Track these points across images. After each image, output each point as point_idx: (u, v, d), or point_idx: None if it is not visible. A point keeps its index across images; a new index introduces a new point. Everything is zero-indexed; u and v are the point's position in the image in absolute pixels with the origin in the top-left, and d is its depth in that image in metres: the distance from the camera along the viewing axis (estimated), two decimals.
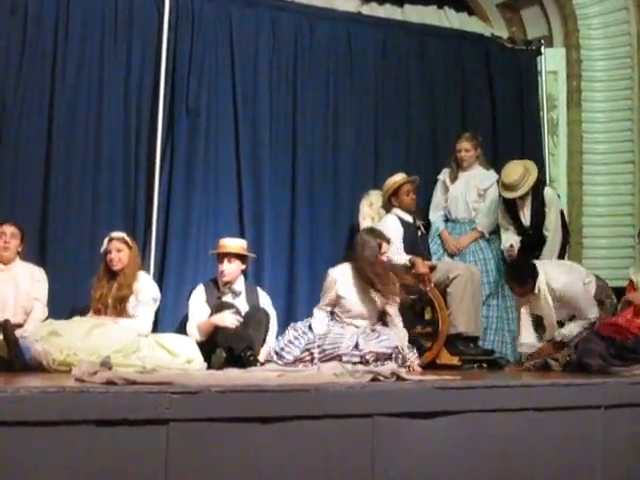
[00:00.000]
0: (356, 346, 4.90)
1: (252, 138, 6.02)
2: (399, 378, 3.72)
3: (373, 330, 5.08)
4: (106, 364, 3.67)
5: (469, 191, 6.29)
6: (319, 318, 5.19)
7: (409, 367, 4.86)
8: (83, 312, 5.06)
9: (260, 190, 5.98)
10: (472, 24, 7.39)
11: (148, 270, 5.46)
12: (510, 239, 6.06)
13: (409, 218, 5.97)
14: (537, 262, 5.48)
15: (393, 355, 4.86)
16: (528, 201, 6.02)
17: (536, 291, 5.25)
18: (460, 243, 6.21)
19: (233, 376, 4.00)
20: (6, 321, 4.50)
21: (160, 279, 5.57)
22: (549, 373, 5.06)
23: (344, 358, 4.77)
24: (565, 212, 6.86)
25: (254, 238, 5.83)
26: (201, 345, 4.92)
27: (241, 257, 5.35)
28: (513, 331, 5.93)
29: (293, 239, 6.06)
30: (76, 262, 5.42)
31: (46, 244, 5.42)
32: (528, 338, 5.42)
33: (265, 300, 5.40)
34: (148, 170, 5.73)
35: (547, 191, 6.15)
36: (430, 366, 5.32)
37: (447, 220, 6.39)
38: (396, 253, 5.71)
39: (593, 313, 5.27)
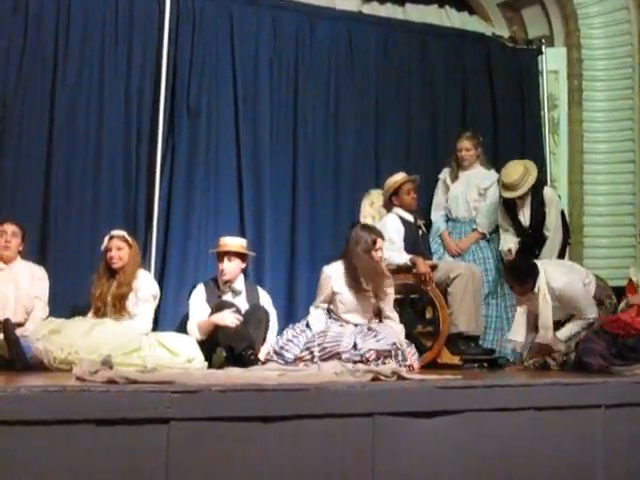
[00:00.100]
0: (354, 346, 4.89)
1: (253, 138, 6.02)
2: (400, 377, 3.72)
3: (370, 329, 5.08)
4: (107, 363, 3.67)
5: (470, 190, 6.29)
6: (316, 316, 5.18)
7: (409, 366, 4.85)
8: (84, 310, 5.07)
9: (261, 190, 5.98)
10: (473, 23, 7.40)
11: (149, 269, 5.47)
12: (509, 241, 6.05)
13: (410, 217, 5.97)
14: (537, 261, 5.48)
15: (392, 352, 4.86)
16: (528, 201, 6.01)
17: (536, 290, 5.25)
18: (460, 246, 6.21)
19: (234, 375, 4.01)
20: (6, 320, 4.51)
21: (161, 278, 5.58)
22: (549, 372, 5.06)
23: (344, 357, 4.76)
24: (566, 211, 6.86)
25: (255, 238, 5.84)
26: (202, 344, 4.92)
27: (241, 256, 5.35)
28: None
29: (294, 239, 6.06)
30: (77, 261, 5.43)
31: (47, 243, 5.43)
32: (516, 336, 5.42)
33: (265, 299, 5.40)
34: (149, 169, 5.73)
35: (547, 191, 6.15)
36: (431, 365, 5.32)
37: (448, 220, 6.39)
38: (397, 252, 5.72)
39: (592, 313, 5.26)
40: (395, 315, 5.32)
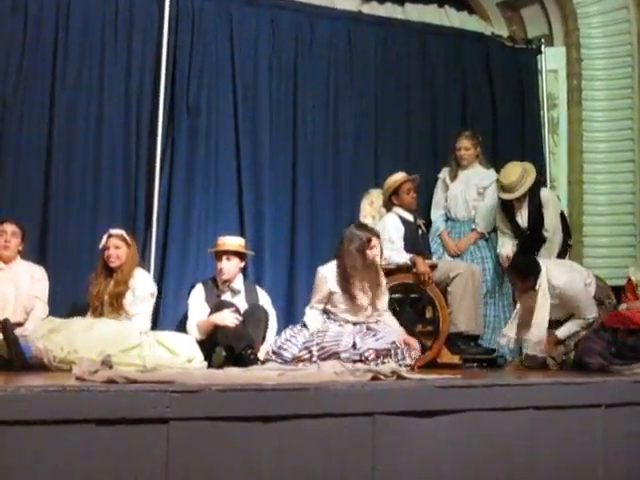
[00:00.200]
0: (354, 345, 4.89)
1: (252, 137, 6.02)
2: (399, 377, 3.72)
3: (369, 328, 5.08)
4: (107, 363, 3.67)
5: (469, 190, 6.29)
6: (311, 316, 5.19)
7: (412, 367, 4.85)
8: (83, 310, 5.08)
9: (260, 189, 5.98)
10: (472, 23, 7.40)
11: (149, 268, 5.47)
12: (507, 243, 6.04)
13: (410, 217, 5.98)
14: (540, 259, 5.48)
15: (392, 351, 4.86)
16: (525, 203, 6.02)
17: (537, 287, 5.25)
18: (459, 246, 6.21)
19: (233, 375, 4.01)
20: (5, 320, 4.51)
21: (160, 277, 5.58)
22: (549, 372, 5.06)
23: (343, 356, 4.76)
24: (565, 211, 6.87)
25: (254, 237, 5.84)
26: (201, 344, 4.92)
27: (240, 255, 5.35)
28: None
29: (293, 238, 6.06)
30: (76, 261, 5.43)
31: (46, 243, 5.43)
32: (510, 331, 5.43)
33: (264, 299, 5.41)
34: (148, 169, 5.73)
35: (544, 192, 6.15)
36: (431, 365, 5.32)
37: (447, 219, 6.39)
38: (397, 252, 5.72)
39: (592, 313, 5.27)
40: (389, 314, 5.32)
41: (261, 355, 4.95)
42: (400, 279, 5.66)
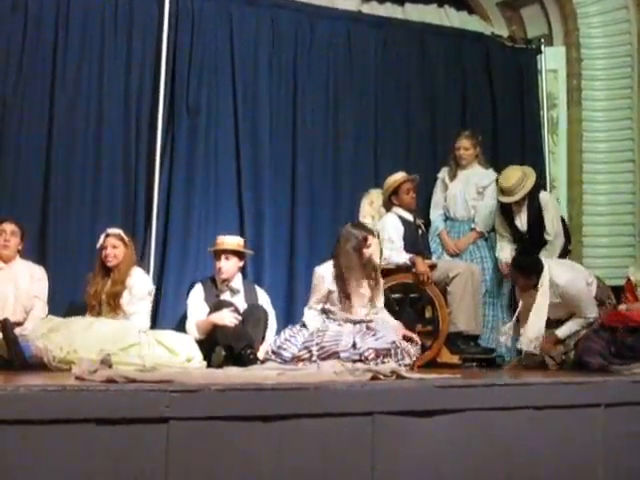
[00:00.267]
0: (353, 345, 4.89)
1: (252, 137, 6.02)
2: (399, 377, 3.72)
3: (369, 328, 5.08)
4: (106, 362, 3.67)
5: (468, 189, 6.29)
6: (310, 316, 5.18)
7: (412, 366, 4.86)
8: (83, 309, 5.08)
9: (260, 188, 5.98)
10: (472, 23, 7.40)
11: (148, 267, 5.47)
12: (505, 248, 6.04)
13: (409, 217, 5.98)
14: (542, 258, 5.49)
15: (392, 351, 4.86)
16: (525, 206, 6.02)
17: (539, 286, 5.26)
18: (459, 246, 6.21)
19: (233, 374, 4.01)
20: (5, 320, 4.51)
21: (160, 277, 5.58)
22: (549, 372, 5.06)
23: (342, 356, 4.76)
24: (565, 211, 6.89)
25: (254, 237, 5.84)
26: (200, 343, 4.92)
27: (239, 254, 5.35)
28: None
29: (293, 238, 6.06)
30: (76, 260, 5.43)
31: (46, 242, 5.43)
32: (508, 329, 5.44)
33: (263, 298, 5.41)
34: (148, 168, 5.73)
35: (543, 195, 6.15)
36: (430, 364, 5.32)
37: (446, 219, 6.39)
38: (397, 252, 5.72)
39: (593, 313, 5.27)
40: (385, 312, 5.33)
41: (260, 355, 4.95)
42: (399, 279, 5.66)
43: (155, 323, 5.39)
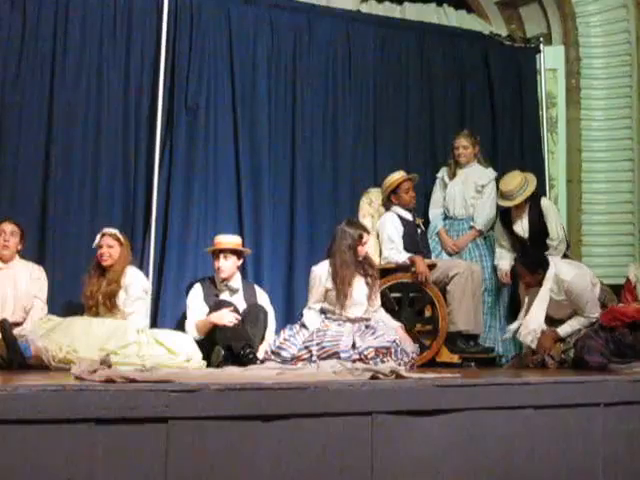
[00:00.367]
0: (353, 345, 4.89)
1: (251, 136, 6.02)
2: (398, 376, 3.72)
3: (368, 327, 5.09)
4: (106, 362, 3.67)
5: (467, 188, 6.29)
6: (310, 316, 5.19)
7: (412, 366, 4.86)
8: (82, 309, 5.09)
9: (259, 188, 5.98)
10: (471, 22, 7.41)
11: (147, 267, 5.47)
12: (505, 257, 6.03)
13: (409, 216, 5.98)
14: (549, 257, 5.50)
15: (392, 350, 4.86)
16: (526, 213, 6.02)
17: (544, 282, 5.27)
18: (458, 244, 6.21)
19: (232, 374, 4.01)
20: (3, 320, 4.52)
21: (160, 276, 5.57)
22: (548, 371, 5.06)
23: (342, 356, 4.76)
24: (564, 210, 6.90)
25: (253, 236, 5.85)
26: (200, 343, 4.92)
27: (237, 253, 5.35)
28: (504, 328, 5.98)
29: (292, 237, 6.06)
30: (75, 260, 5.42)
31: (45, 242, 5.42)
32: (514, 325, 5.45)
33: (263, 297, 5.41)
34: (147, 168, 5.73)
35: (544, 201, 6.16)
36: (430, 364, 5.32)
37: (445, 217, 6.39)
38: (396, 251, 5.72)
39: (595, 313, 5.27)
40: (382, 311, 5.33)
41: (260, 354, 4.95)
42: (399, 278, 5.66)
43: (155, 323, 5.40)
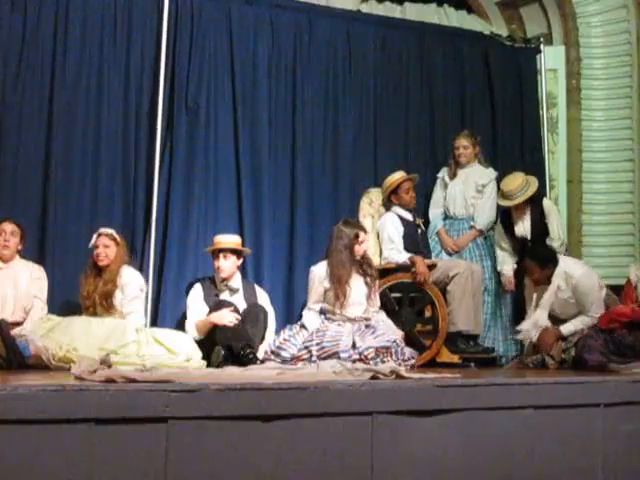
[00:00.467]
0: (353, 345, 4.89)
1: (251, 136, 6.02)
2: (398, 376, 3.72)
3: (368, 326, 5.09)
4: (106, 362, 3.67)
5: (467, 187, 6.29)
6: (309, 316, 5.20)
7: (412, 366, 4.86)
8: (81, 309, 5.07)
9: (259, 188, 5.98)
10: (471, 22, 7.41)
11: (148, 267, 5.47)
12: (507, 261, 6.02)
13: (409, 216, 5.98)
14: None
15: (393, 349, 4.86)
16: (527, 214, 6.01)
17: (553, 279, 5.27)
18: (458, 244, 6.21)
19: (232, 374, 4.01)
20: (0, 320, 4.52)
21: (160, 276, 5.57)
22: (548, 371, 5.06)
23: (342, 356, 4.76)
24: (564, 211, 6.89)
25: (253, 236, 5.84)
26: (200, 343, 4.92)
27: (237, 253, 5.35)
28: (505, 328, 5.97)
29: (292, 237, 6.06)
30: (75, 260, 5.41)
31: (45, 242, 5.42)
32: (524, 325, 5.45)
33: (263, 297, 5.41)
34: (148, 168, 5.73)
35: (545, 202, 6.16)
36: (430, 364, 5.32)
37: (446, 217, 6.39)
38: (396, 251, 5.72)
39: (599, 314, 5.26)
40: (380, 311, 5.33)
41: (260, 354, 4.95)
42: (398, 278, 5.66)
43: (155, 323, 5.40)
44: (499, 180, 6.19)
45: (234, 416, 3.09)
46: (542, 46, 7.24)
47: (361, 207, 6.11)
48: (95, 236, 5.14)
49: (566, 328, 5.30)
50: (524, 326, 5.45)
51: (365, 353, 4.79)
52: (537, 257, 5.42)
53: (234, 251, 5.33)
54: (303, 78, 6.28)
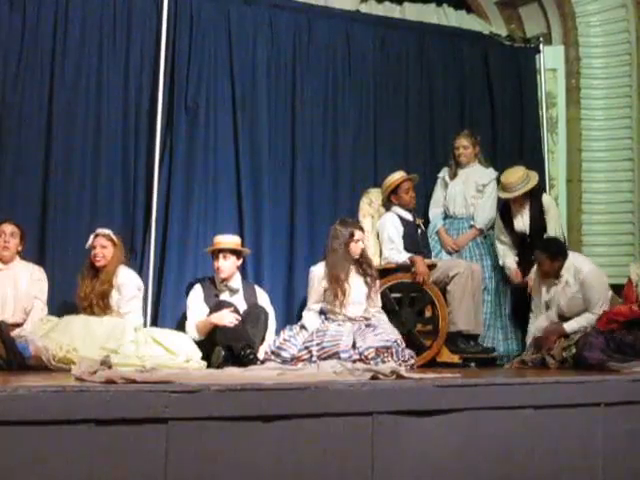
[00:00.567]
0: (353, 345, 4.89)
1: (250, 137, 6.01)
2: (399, 376, 3.72)
3: (368, 325, 5.09)
4: (106, 363, 3.67)
5: (468, 187, 6.29)
6: (309, 317, 5.20)
7: (412, 366, 4.86)
8: (78, 310, 5.07)
9: (259, 188, 5.98)
10: (471, 22, 7.40)
11: (148, 268, 5.47)
12: (509, 255, 6.02)
13: (409, 216, 5.98)
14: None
15: (393, 349, 4.86)
16: (527, 208, 6.01)
17: (562, 272, 5.30)
18: (458, 243, 6.21)
19: (232, 375, 4.01)
20: (0, 322, 4.52)
21: (160, 277, 5.57)
22: (548, 371, 5.06)
23: (342, 356, 4.76)
24: (564, 210, 6.90)
25: (253, 236, 5.84)
26: (200, 344, 4.92)
27: (237, 253, 5.35)
28: (505, 327, 5.97)
29: (292, 238, 6.06)
30: (75, 261, 5.41)
31: (45, 243, 5.42)
32: (539, 322, 5.46)
33: (263, 298, 5.40)
34: (147, 168, 5.73)
35: (545, 198, 6.16)
36: (430, 364, 5.32)
37: (445, 216, 6.39)
38: (396, 251, 5.72)
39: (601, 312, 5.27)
40: (379, 312, 5.32)
41: (260, 355, 4.95)
42: (398, 278, 5.66)
43: (155, 323, 5.40)
44: (499, 179, 6.19)
45: (234, 417, 3.09)
46: (541, 46, 7.23)
47: (361, 207, 6.10)
48: (92, 237, 5.14)
49: (570, 325, 5.30)
50: (541, 323, 5.45)
51: (365, 353, 4.80)
52: (548, 249, 5.43)
53: (234, 251, 5.33)
54: (302, 78, 6.28)
